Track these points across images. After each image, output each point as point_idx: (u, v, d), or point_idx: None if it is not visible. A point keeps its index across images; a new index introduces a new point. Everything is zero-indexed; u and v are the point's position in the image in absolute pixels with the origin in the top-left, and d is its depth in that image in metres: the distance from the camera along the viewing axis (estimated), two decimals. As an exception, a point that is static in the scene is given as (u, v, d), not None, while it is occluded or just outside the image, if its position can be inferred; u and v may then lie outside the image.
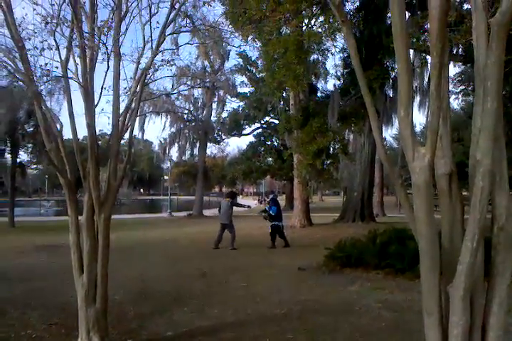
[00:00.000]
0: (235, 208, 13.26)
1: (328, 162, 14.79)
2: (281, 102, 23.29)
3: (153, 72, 5.55)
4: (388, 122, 18.58)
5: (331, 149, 14.45)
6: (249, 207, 15.27)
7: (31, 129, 23.75)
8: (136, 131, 28.48)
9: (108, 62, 4.97)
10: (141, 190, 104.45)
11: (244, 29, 11.90)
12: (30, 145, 26.31)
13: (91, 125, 4.80)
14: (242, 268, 9.57)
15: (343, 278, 8.31)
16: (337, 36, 12.08)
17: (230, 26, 11.64)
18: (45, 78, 4.92)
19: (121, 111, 4.94)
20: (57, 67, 5.08)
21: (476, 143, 2.56)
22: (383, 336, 5.04)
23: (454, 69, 25.65)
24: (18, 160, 25.81)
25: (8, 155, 27.46)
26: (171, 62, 5.81)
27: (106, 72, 4.51)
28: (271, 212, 13.00)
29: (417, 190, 2.42)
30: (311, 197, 27.41)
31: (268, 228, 13.21)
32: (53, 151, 4.66)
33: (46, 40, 5.01)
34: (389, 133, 69.94)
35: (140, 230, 20.89)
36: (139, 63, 5.19)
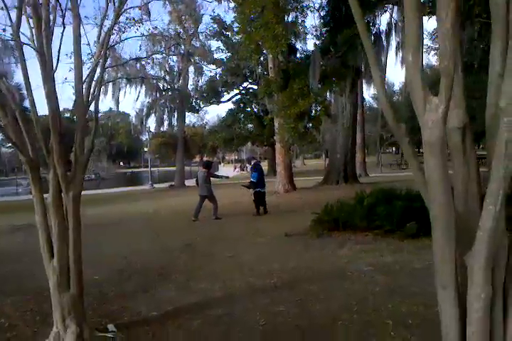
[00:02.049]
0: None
1: (310, 125, 14.40)
2: (260, 66, 22.53)
3: (118, 33, 5.02)
4: (369, 82, 18.16)
5: (313, 111, 14.01)
6: (227, 177, 14.79)
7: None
8: (111, 103, 27.51)
9: (64, 22, 4.41)
10: (121, 163, 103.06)
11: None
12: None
13: (50, 95, 4.27)
14: (227, 238, 9.31)
15: (331, 242, 8.12)
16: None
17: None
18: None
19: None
20: (4, 30, 4.50)
21: (494, 90, 2.19)
22: (379, 301, 4.83)
23: (432, 25, 25.09)
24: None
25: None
26: (137, 20, 5.27)
27: (62, 34, 3.92)
28: (252, 179, 12.65)
29: (429, 148, 2.05)
30: (294, 161, 27.19)
31: (251, 195, 12.90)
32: (11, 126, 4.14)
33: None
34: (369, 93, 69.52)
35: (121, 204, 20.46)
36: (102, 25, 4.64)
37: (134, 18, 4.56)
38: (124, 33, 4.69)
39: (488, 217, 2.04)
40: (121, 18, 4.68)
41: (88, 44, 4.67)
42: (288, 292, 5.38)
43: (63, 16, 4.09)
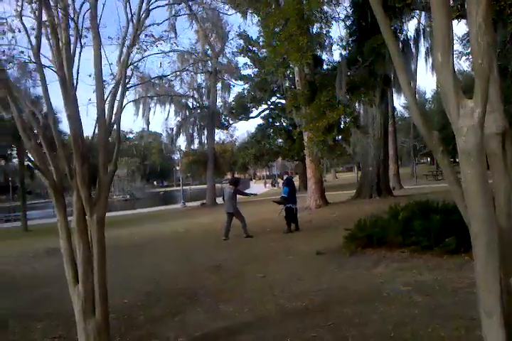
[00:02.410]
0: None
1: (339, 137, 14.06)
2: (287, 80, 22.44)
3: (139, 51, 4.96)
4: (399, 91, 17.71)
5: (342, 123, 13.68)
6: (255, 194, 14.51)
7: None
8: (142, 123, 27.87)
9: (81, 42, 4.36)
10: (155, 183, 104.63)
11: (240, 2, 11.10)
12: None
13: (72, 116, 4.23)
14: (257, 257, 9.06)
15: (365, 260, 7.73)
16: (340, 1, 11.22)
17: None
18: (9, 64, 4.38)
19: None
20: (22, 52, 4.51)
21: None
22: (417, 325, 4.46)
23: (461, 29, 24.44)
24: (26, 162, 25.47)
25: (15, 159, 27.19)
26: (157, 38, 5.22)
27: (80, 54, 3.86)
28: (284, 194, 12.37)
29: (465, 157, 1.80)
30: (324, 175, 26.73)
31: (282, 211, 12.60)
32: (34, 150, 4.10)
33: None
34: (399, 102, 68.36)
35: (153, 224, 20.55)
36: (123, 44, 4.59)
37: (152, 35, 4.47)
38: (145, 51, 4.62)
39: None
40: (143, 37, 4.57)
41: (110, 64, 4.62)
42: (320, 315, 5.07)
43: (80, 36, 4.03)
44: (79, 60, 4.34)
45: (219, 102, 30.90)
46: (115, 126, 4.52)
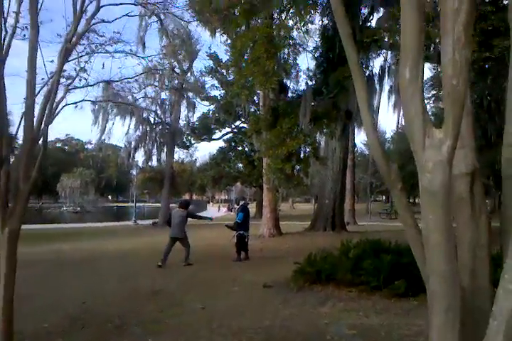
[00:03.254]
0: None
1: (298, 167, 13.91)
2: (251, 104, 22.42)
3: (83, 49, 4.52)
4: (360, 126, 17.92)
5: (302, 153, 13.55)
6: (210, 219, 13.75)
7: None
8: (105, 135, 26.91)
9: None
10: (109, 197, 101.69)
11: (210, 20, 10.95)
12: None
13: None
14: (201, 285, 8.55)
15: (312, 297, 7.37)
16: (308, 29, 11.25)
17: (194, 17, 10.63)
18: None
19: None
20: None
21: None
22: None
23: (426, 74, 25.34)
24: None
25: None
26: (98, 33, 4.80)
27: (3, 40, 3.40)
28: (237, 220, 11.96)
29: (429, 199, 1.49)
30: (279, 204, 26.51)
31: (234, 238, 12.14)
32: None
33: None
34: (360, 139, 70.20)
35: (98, 240, 19.54)
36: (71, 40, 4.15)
37: (103, 35, 4.07)
38: (94, 52, 4.22)
39: (507, 298, 1.45)
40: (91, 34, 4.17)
41: (51, 61, 4.19)
42: (256, 358, 4.63)
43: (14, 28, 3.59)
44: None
45: (182, 120, 30.53)
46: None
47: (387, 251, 7.96)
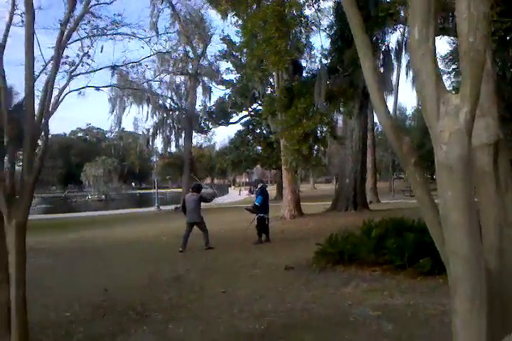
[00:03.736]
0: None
1: (316, 147, 13.65)
2: (267, 86, 22.09)
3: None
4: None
5: (319, 133, 13.27)
6: (210, 200, 13.92)
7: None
8: (127, 123, 27.09)
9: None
10: (133, 184, 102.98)
11: (221, 2, 10.67)
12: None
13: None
14: (222, 269, 8.52)
15: (335, 278, 7.26)
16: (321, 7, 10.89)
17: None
18: None
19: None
20: None
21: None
22: (385, 358, 3.98)
23: (444, 48, 24.50)
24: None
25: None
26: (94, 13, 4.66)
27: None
28: (256, 203, 11.87)
29: (446, 174, 1.32)
30: (300, 185, 26.33)
31: (254, 221, 12.08)
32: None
33: None
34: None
35: (122, 226, 19.83)
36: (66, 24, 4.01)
37: (91, 12, 3.94)
38: (95, 35, 4.07)
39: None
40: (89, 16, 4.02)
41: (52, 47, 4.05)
42: (277, 341, 4.56)
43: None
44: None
45: (199, 106, 30.39)
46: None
47: (410, 230, 7.77)
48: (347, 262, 7.91)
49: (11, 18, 3.78)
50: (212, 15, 24.38)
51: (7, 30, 3.66)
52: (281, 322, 5.22)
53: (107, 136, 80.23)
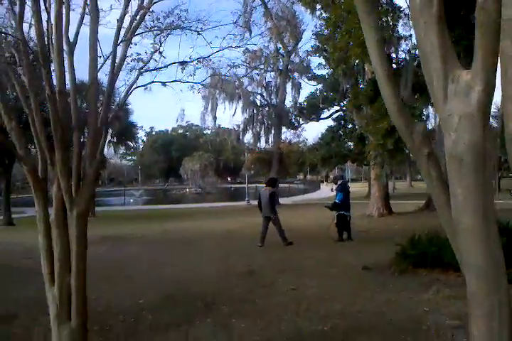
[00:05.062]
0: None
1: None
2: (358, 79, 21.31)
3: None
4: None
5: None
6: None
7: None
8: (223, 120, 28.13)
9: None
10: (228, 179, 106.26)
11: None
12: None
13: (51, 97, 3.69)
14: (296, 266, 8.38)
15: (415, 282, 6.79)
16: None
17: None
18: None
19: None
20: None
21: None
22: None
23: None
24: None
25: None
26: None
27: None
28: (336, 200, 11.50)
29: (456, 166, 1.08)
30: (394, 183, 25.15)
31: (335, 218, 11.74)
32: (15, 132, 3.78)
33: None
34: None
35: (210, 219, 20.54)
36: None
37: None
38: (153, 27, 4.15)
39: None
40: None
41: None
42: (338, 346, 4.34)
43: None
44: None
45: (289, 101, 30.32)
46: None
47: (503, 232, 6.99)
48: (430, 265, 7.36)
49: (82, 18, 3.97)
50: (303, 10, 23.94)
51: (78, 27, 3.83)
52: (345, 324, 4.97)
53: (204, 132, 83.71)
